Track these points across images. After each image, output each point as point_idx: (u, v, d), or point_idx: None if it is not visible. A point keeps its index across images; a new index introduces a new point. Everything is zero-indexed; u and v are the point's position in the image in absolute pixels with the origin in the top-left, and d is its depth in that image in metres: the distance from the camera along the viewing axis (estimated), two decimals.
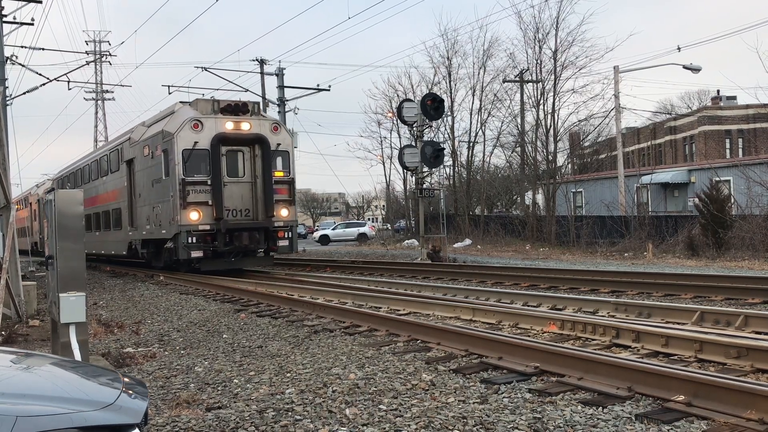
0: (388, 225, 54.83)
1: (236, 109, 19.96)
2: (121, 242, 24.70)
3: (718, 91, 60.70)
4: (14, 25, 19.93)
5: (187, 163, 18.94)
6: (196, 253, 18.88)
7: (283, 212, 20.09)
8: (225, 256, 19.52)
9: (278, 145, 20.20)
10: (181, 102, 21.56)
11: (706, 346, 7.01)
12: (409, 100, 27.78)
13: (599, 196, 35.88)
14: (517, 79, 35.73)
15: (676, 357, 7.14)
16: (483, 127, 40.40)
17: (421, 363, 7.42)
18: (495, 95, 39.23)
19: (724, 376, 5.79)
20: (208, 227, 18.94)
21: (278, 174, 20.18)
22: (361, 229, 53.89)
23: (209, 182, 19.08)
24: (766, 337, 7.47)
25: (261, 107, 20.59)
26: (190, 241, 18.74)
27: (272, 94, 37.84)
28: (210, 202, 19.02)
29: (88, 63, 34.88)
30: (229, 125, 19.53)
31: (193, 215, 18.84)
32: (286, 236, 20.15)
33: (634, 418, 5.23)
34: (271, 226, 19.66)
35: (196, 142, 19.01)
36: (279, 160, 20.36)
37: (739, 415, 5.00)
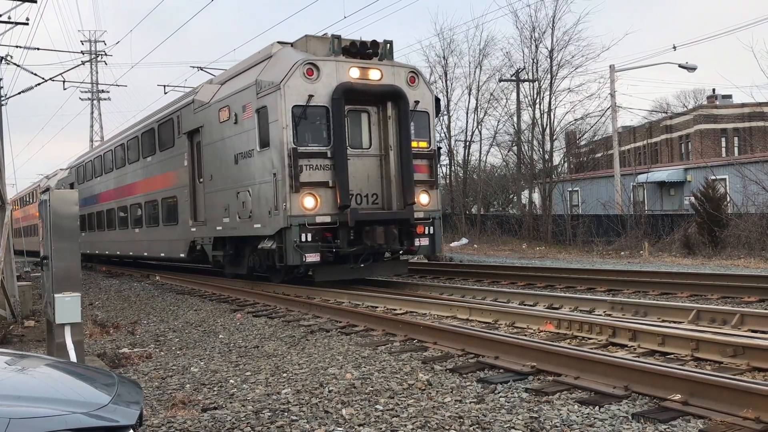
0: None
1: (363, 51, 14.44)
2: (176, 241, 19.06)
3: (713, 90, 60.84)
4: (9, 25, 19.91)
5: (299, 126, 13.65)
6: (312, 257, 13.42)
7: (423, 198, 14.77)
8: (349, 260, 14.08)
9: (416, 103, 14.85)
10: (279, 42, 15.54)
11: (702, 344, 7.01)
12: None
13: (595, 195, 35.93)
14: (514, 78, 35.75)
15: (672, 356, 7.15)
16: (479, 126, 40.38)
17: (417, 363, 7.42)
18: (491, 94, 39.23)
19: (720, 374, 5.79)
20: (328, 219, 13.62)
21: (415, 144, 14.76)
22: None
23: (329, 154, 13.73)
24: (762, 336, 7.48)
25: (392, 48, 14.87)
26: (304, 239, 13.38)
27: None
28: (331, 183, 13.68)
29: (83, 63, 34.77)
30: (354, 72, 14.07)
31: (308, 202, 13.50)
32: (426, 232, 14.75)
33: (630, 418, 5.23)
34: (411, 218, 14.24)
35: (310, 96, 13.65)
36: (413, 125, 14.86)
37: (735, 414, 5.00)
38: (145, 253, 22.29)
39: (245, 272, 16.14)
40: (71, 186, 30.97)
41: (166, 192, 19.70)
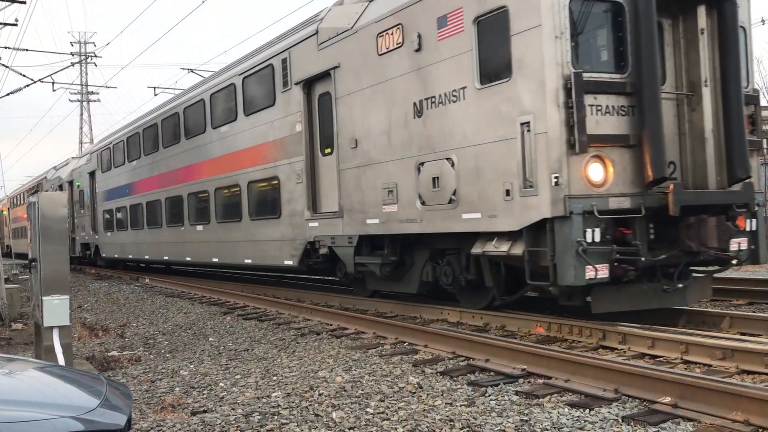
0: None
1: None
2: (279, 243, 13.46)
3: None
4: None
5: (580, 35, 8.15)
6: (602, 271, 7.70)
7: None
8: (648, 276, 8.46)
9: None
10: None
11: (692, 347, 7.04)
12: None
13: None
14: None
15: (662, 358, 7.17)
16: None
17: (408, 365, 7.41)
18: None
19: (710, 377, 5.82)
20: (627, 203, 7.96)
21: None
22: None
23: (629, 88, 8.13)
24: (751, 339, 7.52)
25: None
26: (590, 238, 7.68)
27: None
28: (632, 140, 8.08)
29: (73, 64, 34.72)
30: None
31: (595, 171, 7.93)
32: (747, 228, 8.74)
33: (620, 420, 5.24)
34: (752, 203, 8.77)
35: None
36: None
37: (725, 417, 5.02)
38: (215, 260, 16.39)
39: (415, 290, 10.94)
40: (91, 175, 26.07)
41: (259, 172, 14.07)
